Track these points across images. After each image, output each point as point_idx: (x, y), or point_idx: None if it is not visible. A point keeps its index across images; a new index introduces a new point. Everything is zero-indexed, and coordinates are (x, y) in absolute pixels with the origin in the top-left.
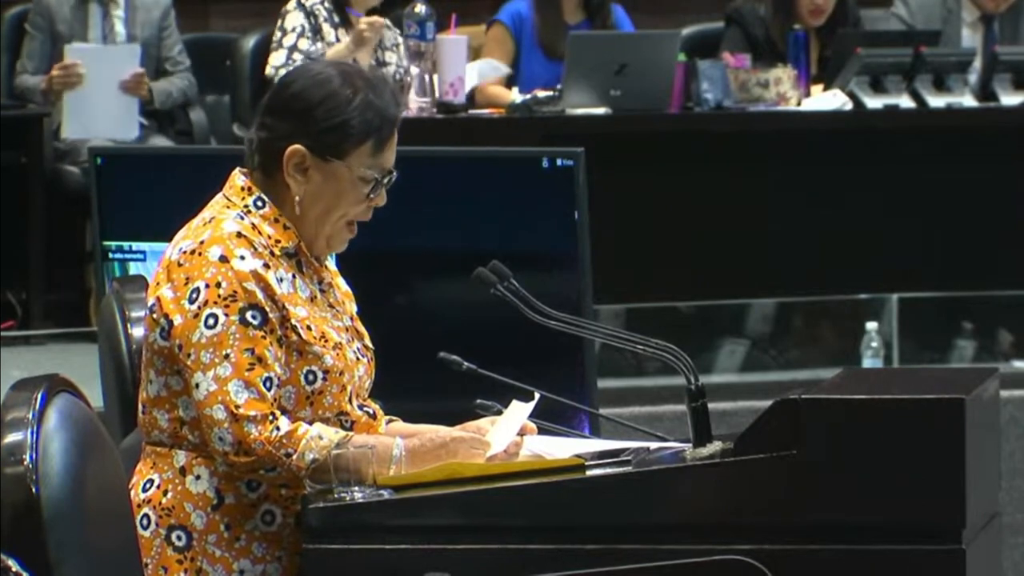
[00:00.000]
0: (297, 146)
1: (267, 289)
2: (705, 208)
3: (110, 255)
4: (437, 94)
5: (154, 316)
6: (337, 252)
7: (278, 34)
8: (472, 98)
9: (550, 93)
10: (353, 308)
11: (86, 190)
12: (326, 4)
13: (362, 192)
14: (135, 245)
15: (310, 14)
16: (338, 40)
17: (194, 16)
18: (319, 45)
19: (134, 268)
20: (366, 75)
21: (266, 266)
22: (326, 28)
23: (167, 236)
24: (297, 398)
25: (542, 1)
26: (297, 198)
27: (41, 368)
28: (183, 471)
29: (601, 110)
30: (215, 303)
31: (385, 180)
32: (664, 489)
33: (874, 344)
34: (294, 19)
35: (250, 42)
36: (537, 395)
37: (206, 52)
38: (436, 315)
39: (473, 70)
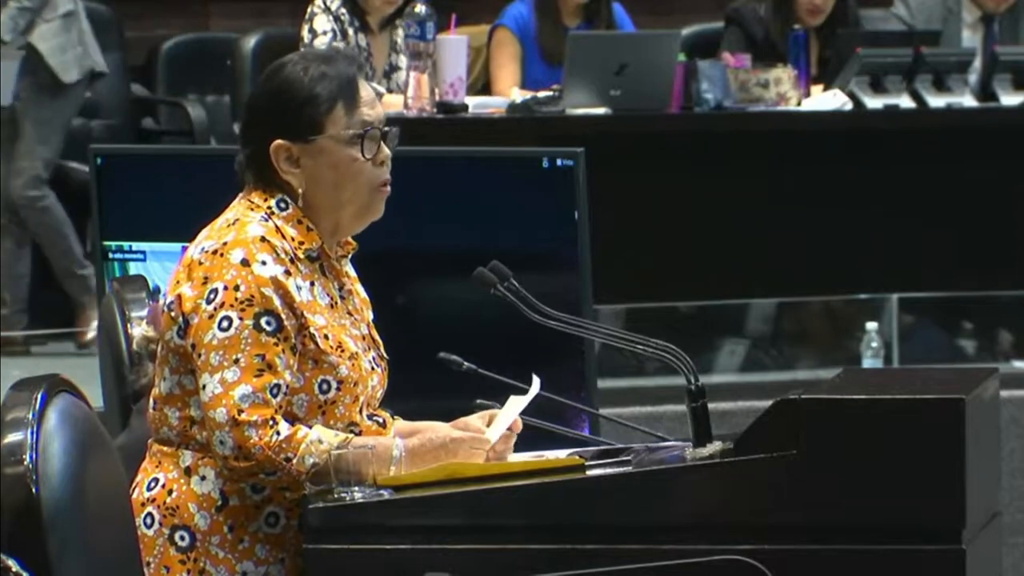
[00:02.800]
0: (278, 141)
1: (285, 296)
2: (705, 208)
3: (110, 255)
4: (437, 94)
5: (172, 314)
6: (376, 218)
7: (308, 36)
8: None
9: (550, 93)
10: (370, 315)
11: (87, 190)
12: (346, 8)
13: (355, 153)
14: (135, 245)
15: (336, 18)
16: (359, 44)
17: (194, 16)
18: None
19: (134, 268)
20: (318, 53)
21: (287, 273)
22: (350, 32)
23: (167, 236)
24: (310, 407)
25: (542, 5)
26: (300, 190)
27: (41, 368)
28: (188, 471)
29: (601, 110)
30: (231, 306)
31: (369, 132)
32: (664, 489)
33: (874, 344)
34: (323, 22)
35: (250, 42)
36: (536, 380)
37: (206, 52)
38: (436, 315)
39: None
